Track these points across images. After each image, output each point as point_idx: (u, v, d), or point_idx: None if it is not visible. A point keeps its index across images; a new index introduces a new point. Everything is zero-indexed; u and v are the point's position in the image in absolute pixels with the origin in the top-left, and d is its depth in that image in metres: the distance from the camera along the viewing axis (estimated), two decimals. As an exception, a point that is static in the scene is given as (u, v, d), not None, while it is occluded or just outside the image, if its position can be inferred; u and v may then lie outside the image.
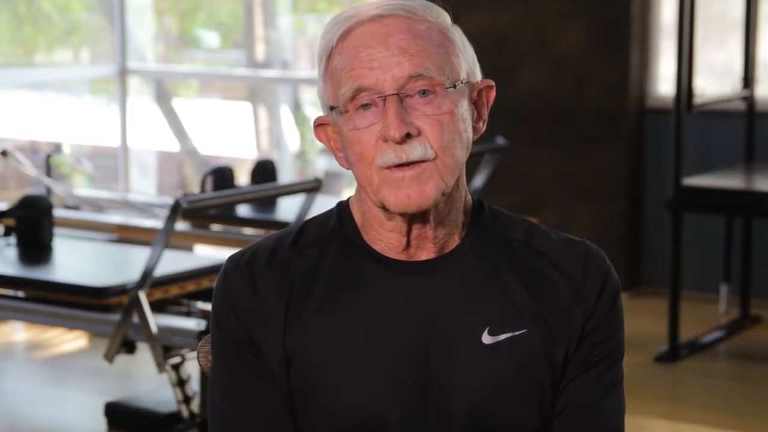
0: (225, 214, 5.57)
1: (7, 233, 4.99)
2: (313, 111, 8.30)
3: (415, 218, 1.65)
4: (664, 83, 6.32)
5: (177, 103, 8.64)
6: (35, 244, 4.72)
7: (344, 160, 1.68)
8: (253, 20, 8.53)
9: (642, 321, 5.78)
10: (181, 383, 4.12)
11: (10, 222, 4.94)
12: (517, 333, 1.67)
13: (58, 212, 5.60)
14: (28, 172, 6.33)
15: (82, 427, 4.66)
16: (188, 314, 4.29)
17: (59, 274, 4.47)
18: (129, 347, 4.19)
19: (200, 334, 3.93)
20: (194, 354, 4.01)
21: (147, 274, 4.00)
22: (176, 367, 4.11)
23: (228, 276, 1.71)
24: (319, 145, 1.86)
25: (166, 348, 4.05)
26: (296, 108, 8.59)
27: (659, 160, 6.15)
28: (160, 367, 4.03)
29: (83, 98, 8.98)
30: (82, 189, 7.63)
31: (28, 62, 8.83)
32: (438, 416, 1.66)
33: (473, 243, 1.70)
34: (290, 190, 4.92)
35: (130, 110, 7.99)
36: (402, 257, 1.68)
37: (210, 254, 5.91)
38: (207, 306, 4.04)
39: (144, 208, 6.25)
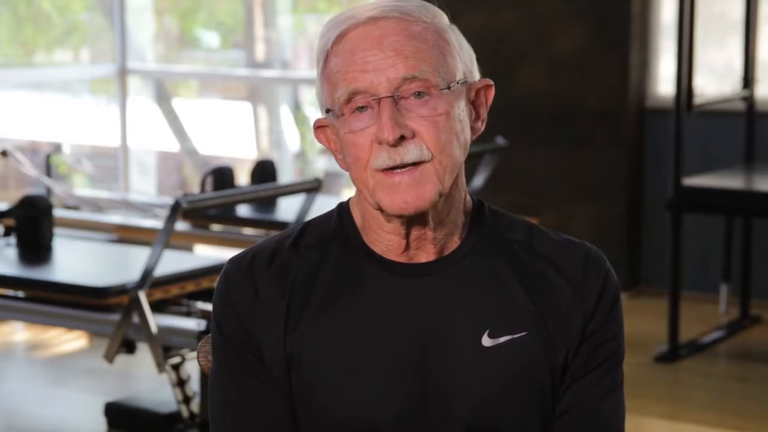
0: (225, 214, 5.57)
1: (7, 233, 4.99)
2: (313, 111, 8.30)
3: (413, 220, 1.65)
4: (664, 83, 6.32)
5: (177, 103, 8.64)
6: (35, 244, 4.72)
7: (343, 161, 1.68)
8: (253, 20, 8.53)
9: (642, 321, 5.78)
10: (181, 383, 4.12)
11: (10, 222, 4.94)
12: (516, 335, 1.66)
13: (58, 212, 5.60)
14: (28, 172, 6.34)
15: (82, 427, 4.66)
16: (188, 314, 4.29)
17: (59, 274, 4.47)
18: (129, 347, 4.18)
19: (200, 334, 3.93)
20: (194, 354, 4.01)
21: (147, 274, 4.00)
22: (176, 367, 4.11)
23: (229, 278, 1.71)
24: (319, 145, 1.84)
25: (166, 348, 4.05)
26: (296, 108, 8.58)
27: (659, 160, 6.15)
28: (160, 367, 4.03)
29: (83, 98, 8.98)
30: (82, 189, 7.63)
31: (28, 62, 8.83)
32: (438, 418, 1.65)
33: (473, 244, 1.70)
34: (290, 190, 4.92)
35: (130, 110, 7.99)
36: (402, 259, 1.68)
37: (210, 254, 5.91)
38: (207, 306, 4.04)
39: (144, 208, 6.25)
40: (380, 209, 1.64)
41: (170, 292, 4.30)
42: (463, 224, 1.71)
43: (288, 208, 5.52)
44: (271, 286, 1.69)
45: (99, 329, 4.28)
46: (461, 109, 1.65)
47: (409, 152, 1.60)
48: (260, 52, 8.53)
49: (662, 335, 5.39)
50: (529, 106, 6.39)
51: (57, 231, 5.02)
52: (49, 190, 6.17)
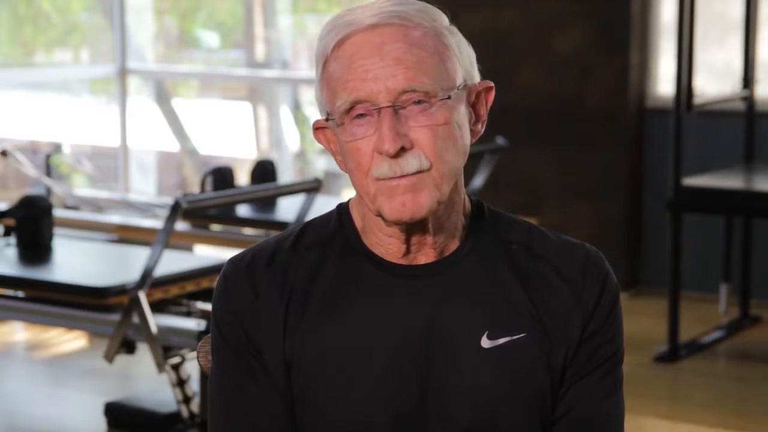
0: (225, 214, 5.57)
1: (7, 233, 4.99)
2: (313, 111, 8.30)
3: (413, 226, 1.65)
4: (664, 83, 6.32)
5: (177, 103, 8.64)
6: (35, 244, 4.72)
7: (343, 163, 1.68)
8: (253, 20, 8.53)
9: (641, 321, 5.78)
10: (181, 383, 4.12)
11: (10, 222, 4.94)
12: (516, 337, 1.66)
13: (58, 212, 5.60)
14: (28, 172, 6.34)
15: (82, 427, 4.66)
16: (188, 314, 4.29)
17: (59, 274, 4.47)
18: (129, 347, 4.18)
19: (200, 334, 3.93)
20: (194, 354, 4.01)
21: (147, 274, 4.00)
22: (176, 367, 4.11)
23: (228, 279, 1.71)
24: (318, 145, 1.83)
25: (166, 348, 4.05)
26: (296, 108, 8.59)
27: (659, 160, 6.15)
28: (160, 367, 4.03)
29: (83, 98, 8.98)
30: (82, 189, 7.63)
31: (28, 62, 8.83)
32: (437, 420, 1.65)
33: (473, 246, 1.70)
34: (290, 190, 4.92)
35: (130, 110, 7.99)
36: (402, 261, 1.68)
37: (210, 254, 5.91)
38: (207, 306, 4.04)
39: (144, 208, 6.25)
40: (380, 215, 1.64)
41: (170, 292, 4.30)
42: (463, 226, 1.70)
43: (288, 208, 5.52)
44: (270, 287, 1.69)
45: (99, 329, 4.28)
46: (461, 115, 1.65)
47: (409, 163, 1.60)
48: (260, 52, 8.53)
49: (662, 335, 5.39)
50: (530, 107, 6.39)
51: (57, 231, 5.02)
52: (49, 190, 6.17)
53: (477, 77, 1.69)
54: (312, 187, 4.71)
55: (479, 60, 1.71)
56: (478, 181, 5.54)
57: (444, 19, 1.67)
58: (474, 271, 1.69)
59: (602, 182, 6.31)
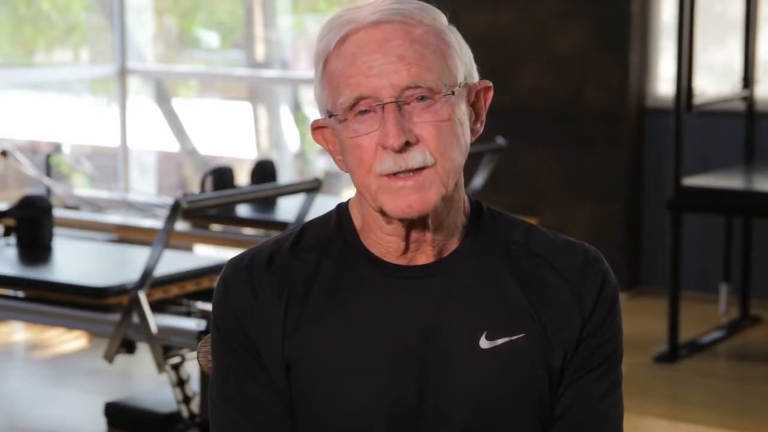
0: (225, 214, 5.57)
1: (7, 233, 4.99)
2: (313, 111, 8.29)
3: (414, 222, 1.65)
4: (664, 83, 6.32)
5: (177, 103, 8.64)
6: (35, 244, 4.72)
7: (343, 163, 1.68)
8: (253, 20, 8.53)
9: (641, 321, 5.78)
10: (181, 383, 4.12)
11: (10, 222, 4.94)
12: (514, 337, 1.66)
13: (58, 212, 5.60)
14: (28, 172, 6.34)
15: (82, 427, 4.66)
16: (188, 314, 4.29)
17: (59, 274, 4.47)
18: (129, 347, 4.18)
19: (200, 334, 3.93)
20: (194, 354, 4.01)
21: (147, 274, 4.00)
22: (176, 367, 4.11)
23: (228, 280, 1.71)
24: (318, 145, 1.84)
25: (166, 348, 4.05)
26: (296, 108, 8.59)
27: (659, 160, 6.15)
28: (160, 367, 4.03)
29: (83, 98, 8.98)
30: (82, 189, 7.63)
31: (28, 62, 8.83)
32: (436, 420, 1.65)
33: (472, 246, 1.70)
34: (290, 190, 4.92)
35: (130, 110, 7.99)
36: (401, 261, 1.68)
37: (210, 254, 5.91)
38: (207, 306, 4.04)
39: (144, 208, 6.25)
40: (381, 211, 1.64)
41: (170, 292, 4.30)
42: (462, 226, 1.70)
43: (288, 208, 5.52)
44: (269, 288, 1.69)
45: (99, 329, 4.28)
46: (462, 112, 1.65)
47: (414, 158, 1.60)
48: (260, 52, 8.53)
49: (662, 335, 5.39)
50: (530, 106, 6.39)
51: (57, 231, 5.02)
52: (49, 190, 6.17)
53: (476, 77, 1.69)
54: (312, 187, 4.71)
55: (479, 60, 1.71)
56: (478, 181, 5.54)
57: (443, 19, 1.67)
58: (473, 271, 1.69)
59: (602, 182, 6.31)
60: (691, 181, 5.42)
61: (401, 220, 1.64)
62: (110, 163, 8.16)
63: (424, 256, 1.68)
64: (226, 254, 5.54)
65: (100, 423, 4.41)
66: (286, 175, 7.82)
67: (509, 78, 6.37)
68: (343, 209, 1.73)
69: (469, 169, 5.28)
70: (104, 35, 8.26)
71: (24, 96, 8.61)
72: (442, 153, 1.61)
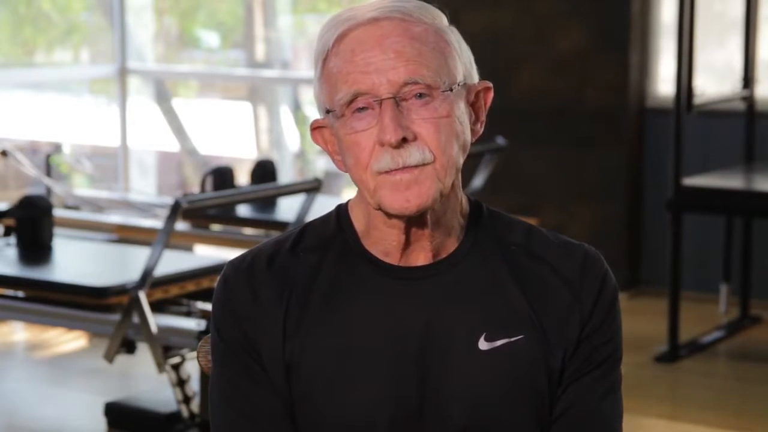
0: (225, 214, 5.57)
1: (7, 233, 4.99)
2: (313, 111, 8.29)
3: (413, 220, 1.65)
4: (664, 83, 6.32)
5: (177, 103, 8.64)
6: (35, 244, 4.73)
7: (341, 163, 1.68)
8: (253, 20, 8.53)
9: (641, 321, 5.78)
10: (181, 383, 4.12)
11: (10, 222, 4.94)
12: (513, 339, 1.66)
13: (58, 212, 5.60)
14: (28, 172, 6.34)
15: (82, 427, 4.66)
16: (188, 314, 4.29)
17: (59, 274, 4.47)
18: (129, 347, 4.19)
19: (200, 334, 3.93)
20: (194, 354, 4.02)
21: (147, 274, 4.00)
22: (176, 367, 4.11)
23: (228, 281, 1.71)
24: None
25: (166, 348, 4.05)
26: (296, 108, 8.59)
27: (659, 160, 6.15)
28: (160, 367, 4.03)
29: (83, 98, 8.98)
30: (82, 189, 7.63)
31: (28, 62, 8.83)
32: (435, 422, 1.65)
33: (471, 246, 1.70)
34: (290, 190, 4.92)
35: (130, 110, 7.99)
36: (400, 262, 1.68)
37: (210, 254, 5.91)
38: (207, 306, 4.04)
39: (144, 208, 6.25)
40: (380, 209, 1.64)
41: (170, 292, 4.30)
42: (461, 226, 1.70)
43: (288, 208, 5.52)
44: (270, 289, 1.68)
45: (99, 329, 4.28)
46: (461, 111, 1.65)
47: (412, 155, 1.60)
48: (260, 52, 8.53)
49: (662, 335, 5.39)
50: (529, 106, 6.39)
51: (57, 231, 5.02)
52: (49, 190, 6.17)
53: (476, 77, 1.69)
54: (312, 187, 4.71)
55: (479, 60, 1.71)
56: (478, 181, 5.54)
57: (443, 19, 1.67)
58: (472, 272, 1.68)
59: (602, 182, 6.31)
60: (691, 181, 5.42)
61: (400, 217, 1.64)
62: (110, 163, 8.16)
63: (423, 257, 1.68)
64: (226, 254, 5.54)
65: (100, 423, 4.41)
66: (286, 175, 7.82)
67: (509, 78, 6.37)
68: (342, 210, 1.73)
69: (469, 170, 5.28)
70: (104, 35, 8.26)
71: (24, 96, 8.61)
72: (440, 150, 1.61)
